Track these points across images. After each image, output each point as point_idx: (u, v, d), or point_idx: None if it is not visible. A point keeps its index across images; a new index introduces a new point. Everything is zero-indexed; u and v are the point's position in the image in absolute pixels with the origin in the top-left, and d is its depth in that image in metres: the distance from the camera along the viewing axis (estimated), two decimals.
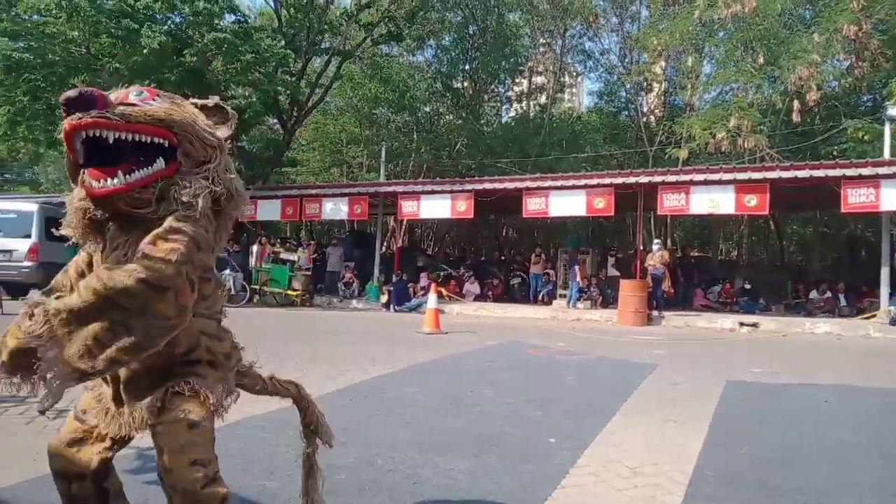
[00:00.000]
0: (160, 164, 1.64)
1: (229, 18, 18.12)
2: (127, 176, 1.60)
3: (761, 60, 18.09)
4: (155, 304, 1.51)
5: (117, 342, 1.47)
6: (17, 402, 4.43)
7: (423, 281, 16.48)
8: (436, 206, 15.81)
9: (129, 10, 15.68)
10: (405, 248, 22.08)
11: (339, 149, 28.17)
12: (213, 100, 1.90)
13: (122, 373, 1.73)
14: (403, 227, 24.77)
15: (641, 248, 15.45)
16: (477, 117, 28.03)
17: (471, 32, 27.76)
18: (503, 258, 22.04)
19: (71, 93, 1.55)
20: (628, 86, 26.61)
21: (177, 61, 16.26)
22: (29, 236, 14.43)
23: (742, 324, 12.49)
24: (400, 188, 16.78)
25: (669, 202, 13.33)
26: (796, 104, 17.76)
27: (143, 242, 1.55)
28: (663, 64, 25.16)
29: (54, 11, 15.33)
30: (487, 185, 15.69)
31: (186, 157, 1.69)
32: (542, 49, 30.29)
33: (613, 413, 4.65)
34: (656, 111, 27.99)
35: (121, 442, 1.89)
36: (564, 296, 15.44)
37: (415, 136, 27.84)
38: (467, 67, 28.48)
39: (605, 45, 28.43)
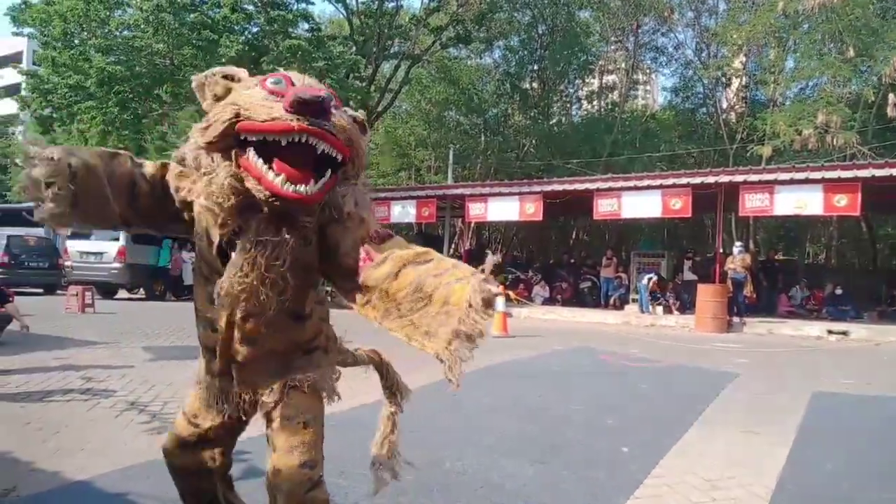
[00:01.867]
0: (328, 173, 1.63)
1: (303, 27, 18.70)
2: (316, 183, 1.59)
3: (851, 52, 17.03)
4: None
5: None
6: (108, 394, 4.72)
7: None
8: (503, 209, 15.72)
9: (209, 22, 16.46)
10: (472, 251, 22.09)
11: (408, 152, 28.52)
12: (361, 114, 1.84)
13: (242, 354, 1.72)
14: (471, 229, 24.78)
15: (721, 250, 14.80)
16: (546, 117, 27.73)
17: (539, 32, 27.51)
18: (572, 261, 21.67)
19: (308, 95, 1.52)
20: (706, 81, 25.63)
21: (254, 70, 16.91)
22: (117, 239, 15.35)
23: (831, 331, 11.76)
24: (467, 190, 16.80)
25: (752, 203, 12.72)
26: (891, 98, 16.62)
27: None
28: (743, 58, 24.09)
29: (142, 26, 16.28)
30: (557, 187, 15.47)
31: (345, 175, 1.71)
32: (613, 46, 29.65)
33: (690, 423, 4.48)
34: (736, 107, 26.84)
35: (234, 436, 1.96)
36: (637, 300, 15.01)
37: (482, 138, 27.83)
38: (536, 67, 28.21)
39: (679, 40, 27.53)
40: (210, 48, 16.11)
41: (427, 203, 16.79)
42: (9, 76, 42.83)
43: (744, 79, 25.35)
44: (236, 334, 1.71)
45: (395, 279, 1.58)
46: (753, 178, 12.88)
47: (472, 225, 22.99)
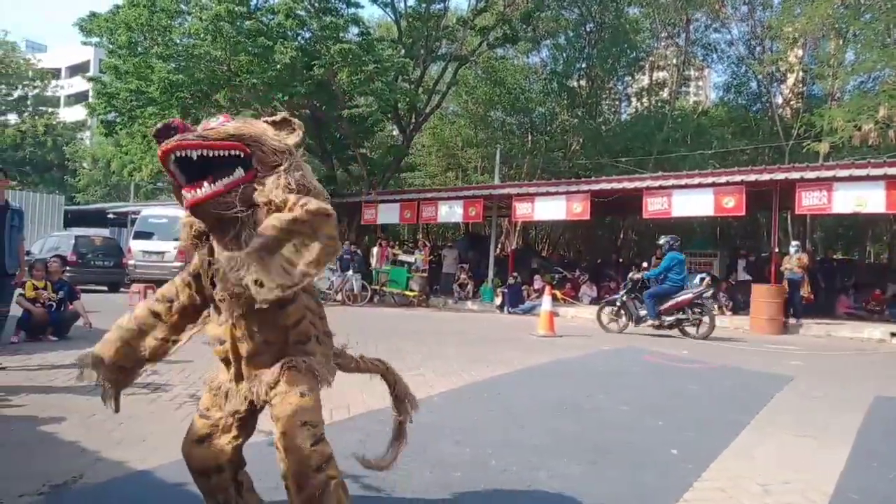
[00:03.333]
0: (239, 172, 1.90)
1: (353, 31, 18.99)
2: (212, 185, 1.86)
3: None
4: (323, 227, 1.81)
5: (304, 258, 1.77)
6: (168, 388, 4.93)
7: (537, 283, 16.34)
8: (550, 208, 15.62)
9: (264, 29, 16.90)
10: (519, 250, 22.00)
11: (455, 152, 28.60)
12: (280, 115, 2.13)
13: (244, 349, 2.01)
14: (517, 228, 24.67)
15: (777, 250, 14.33)
16: (594, 116, 27.36)
17: (587, 30, 27.16)
18: (621, 260, 21.33)
19: (158, 126, 1.86)
20: (760, 77, 24.83)
21: (306, 75, 17.28)
22: (178, 239, 15.90)
23: (894, 334, 11.25)
24: (514, 190, 16.75)
25: (809, 200, 12.28)
26: None
27: (291, 202, 1.83)
28: (800, 52, 23.22)
29: (202, 34, 16.84)
30: (605, 186, 15.27)
31: (261, 164, 1.93)
32: (663, 42, 29.03)
33: (742, 426, 4.38)
34: (792, 103, 25.90)
35: (246, 427, 2.13)
36: None
37: (529, 138, 27.66)
38: (584, 65, 27.86)
39: (732, 35, 26.73)
40: (265, 54, 16.54)
41: (474, 203, 16.83)
42: (78, 84, 45.06)
43: (799, 73, 24.45)
44: (236, 333, 2.01)
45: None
46: (810, 175, 12.43)
47: (519, 224, 22.91)
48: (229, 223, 1.93)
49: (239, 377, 2.06)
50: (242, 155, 1.91)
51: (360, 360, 2.41)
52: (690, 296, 10.19)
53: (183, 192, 1.89)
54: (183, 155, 1.83)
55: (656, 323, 10.28)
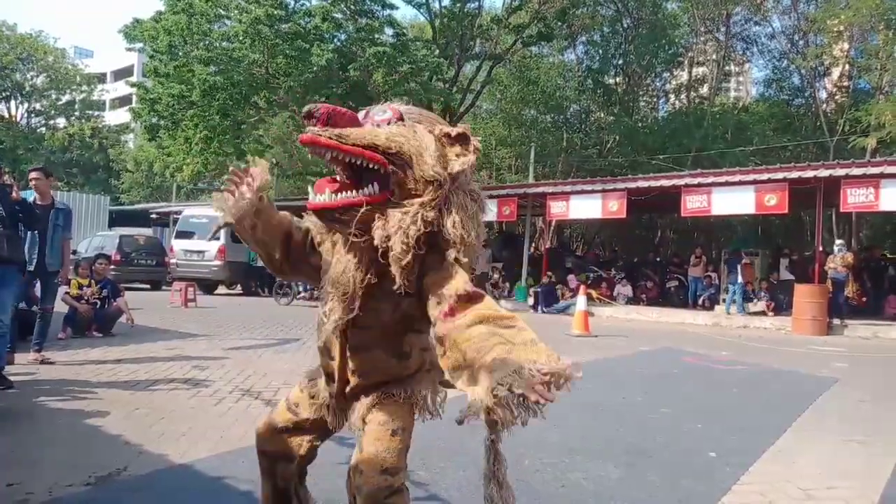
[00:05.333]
0: (372, 189, 1.61)
1: (388, 32, 19.13)
2: (333, 195, 1.61)
3: None
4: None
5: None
6: (208, 384, 5.04)
7: (572, 283, 16.19)
8: (586, 207, 15.45)
9: (301, 32, 17.15)
10: (553, 250, 21.83)
11: (488, 151, 28.55)
12: (460, 128, 1.75)
13: (353, 380, 1.82)
14: (552, 227, 24.49)
15: (821, 248, 13.91)
16: (630, 113, 26.97)
17: (624, 26, 26.79)
18: (658, 259, 20.98)
19: (306, 108, 1.61)
20: (803, 71, 24.13)
21: (342, 76, 17.48)
22: (218, 239, 16.26)
23: None
24: (549, 189, 16.62)
25: (855, 198, 11.88)
26: None
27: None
28: (845, 45, 22.48)
29: (241, 38, 17.17)
30: (641, 184, 15.03)
31: (399, 187, 1.62)
32: (703, 38, 28.45)
33: (784, 429, 4.26)
34: (836, 97, 25.10)
35: (327, 433, 2.04)
36: (726, 300, 14.34)
37: (564, 136, 27.42)
38: (620, 62, 27.49)
39: (774, 28, 26.05)
40: (302, 57, 16.79)
41: (508, 202, 16.75)
42: (122, 88, 46.43)
43: (845, 66, 23.67)
44: (350, 364, 1.81)
45: (466, 329, 1.49)
46: (857, 171, 12.02)
47: (553, 223, 22.73)
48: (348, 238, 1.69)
49: (341, 397, 1.87)
50: (382, 171, 1.59)
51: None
52: None
53: (310, 188, 1.71)
54: (317, 151, 1.59)
55: None
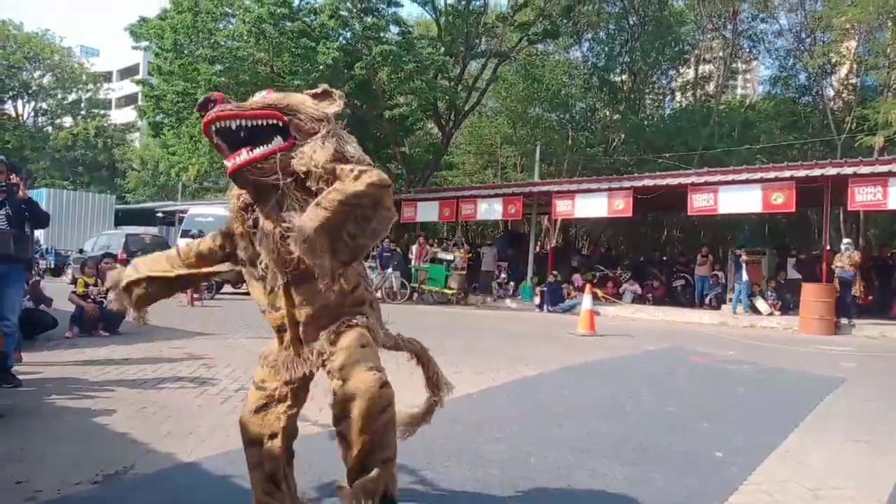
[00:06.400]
0: (278, 140, 1.95)
1: (394, 30, 19.12)
2: (249, 152, 1.93)
3: None
4: (383, 199, 1.87)
5: (365, 231, 1.84)
6: (214, 382, 5.06)
7: (578, 281, 16.16)
8: (591, 205, 15.41)
9: (307, 30, 17.16)
10: (559, 248, 21.80)
11: (493, 150, 28.50)
12: (321, 87, 2.17)
13: (302, 315, 2.06)
14: (557, 226, 24.45)
15: (828, 247, 13.85)
16: (636, 111, 26.88)
17: (630, 23, 26.70)
18: (664, 258, 20.93)
19: (200, 100, 1.97)
20: (810, 69, 24.00)
21: (348, 74, 17.48)
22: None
23: None
24: (554, 187, 16.59)
25: (863, 196, 11.82)
26: None
27: (345, 173, 1.88)
28: (852, 43, 22.34)
29: (245, 36, 17.19)
30: (648, 182, 14.99)
31: (299, 131, 1.98)
32: (709, 35, 28.31)
33: (791, 429, 4.25)
34: (844, 95, 24.94)
35: (299, 396, 2.18)
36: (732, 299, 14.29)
37: (569, 134, 27.35)
38: (626, 60, 27.39)
39: (781, 25, 25.89)
40: (308, 55, 16.79)
41: (513, 200, 16.73)
42: (128, 87, 46.66)
43: (852, 64, 23.53)
44: (295, 299, 2.05)
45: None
46: (864, 170, 11.95)
47: (559, 222, 22.70)
48: (270, 191, 1.97)
49: (297, 342, 2.10)
50: (280, 124, 1.96)
51: (398, 337, 2.40)
52: None
53: (225, 161, 1.97)
54: (223, 126, 1.92)
55: None
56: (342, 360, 1.93)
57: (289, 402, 2.14)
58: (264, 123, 1.94)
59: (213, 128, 1.93)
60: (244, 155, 1.92)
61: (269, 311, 2.13)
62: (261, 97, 2.04)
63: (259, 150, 1.92)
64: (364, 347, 1.98)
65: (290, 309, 2.06)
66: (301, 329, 2.07)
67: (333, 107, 2.11)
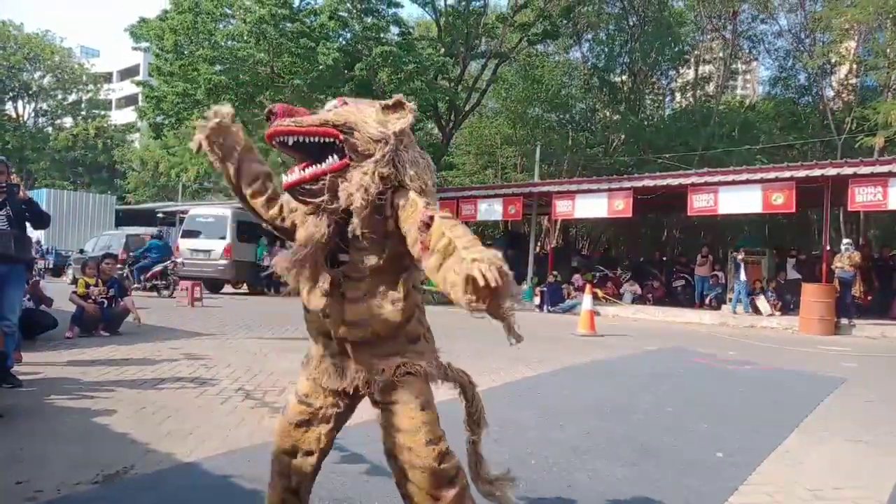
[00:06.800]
0: (332, 160, 1.86)
1: (394, 31, 19.13)
2: (303, 171, 1.86)
3: None
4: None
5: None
6: (214, 382, 5.06)
7: (578, 282, 16.16)
8: (591, 206, 15.42)
9: (307, 31, 17.17)
10: (559, 249, 21.81)
11: (493, 150, 28.50)
12: (395, 98, 1.99)
13: (351, 334, 1.93)
14: (557, 227, 24.47)
15: (828, 248, 13.85)
16: (636, 112, 26.90)
17: (630, 24, 26.72)
18: (664, 259, 20.94)
19: (266, 110, 1.89)
20: (810, 70, 24.01)
21: (348, 75, 17.50)
22: (224, 238, 16.31)
23: None
24: (554, 188, 16.59)
25: (863, 197, 11.83)
26: None
27: (420, 216, 1.75)
28: (852, 43, 22.34)
29: (245, 36, 17.19)
30: (648, 182, 14.99)
31: (354, 151, 1.86)
32: (709, 35, 28.34)
33: (791, 429, 4.25)
34: (843, 95, 24.95)
35: (341, 419, 2.09)
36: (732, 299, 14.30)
37: (569, 134, 27.36)
38: (626, 60, 27.41)
39: (781, 26, 25.91)
40: (308, 56, 16.81)
41: (513, 201, 16.74)
42: (128, 87, 46.70)
43: (852, 64, 23.54)
44: (345, 317, 1.91)
45: (437, 272, 1.66)
46: (864, 170, 11.96)
47: (559, 222, 22.71)
48: (324, 209, 1.89)
49: (344, 355, 1.98)
50: (336, 143, 1.86)
51: (448, 368, 2.18)
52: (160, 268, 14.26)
53: (283, 174, 1.92)
54: (281, 140, 1.86)
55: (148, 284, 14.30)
56: (400, 423, 1.88)
57: (331, 425, 2.05)
58: (320, 141, 1.85)
59: (274, 142, 1.87)
60: (297, 173, 1.87)
61: (314, 315, 1.99)
62: (329, 107, 1.96)
63: (310, 171, 1.86)
64: (423, 411, 1.89)
65: (340, 326, 1.93)
66: (349, 346, 1.95)
67: (400, 122, 1.91)
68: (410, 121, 1.95)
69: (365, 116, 1.90)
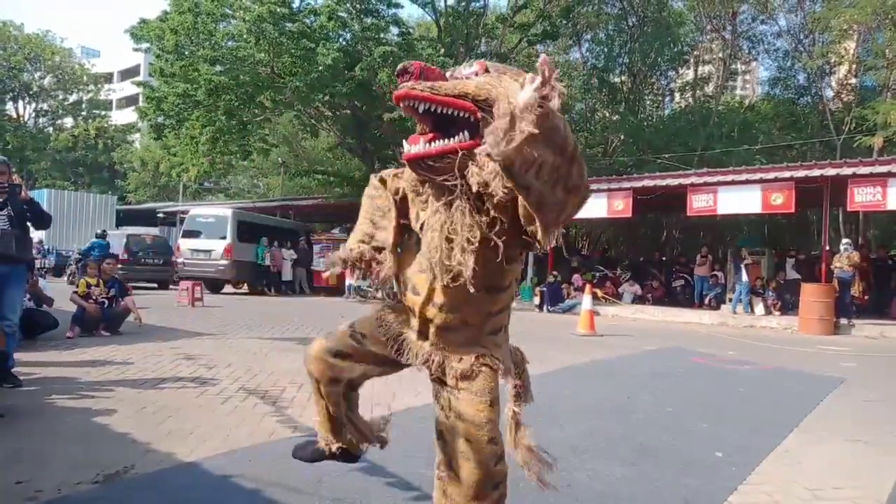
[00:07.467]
0: (463, 136, 1.64)
1: (393, 31, 19.14)
2: (428, 144, 1.66)
3: None
4: (574, 194, 1.53)
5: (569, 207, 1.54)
6: (215, 382, 5.06)
7: (578, 282, 16.17)
8: (591, 206, 15.24)
9: (307, 31, 17.18)
10: (559, 249, 21.79)
11: None
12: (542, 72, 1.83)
13: (440, 317, 1.84)
14: None
15: (827, 248, 13.86)
16: (635, 112, 26.91)
17: (629, 24, 26.74)
18: (664, 259, 20.94)
19: (400, 66, 1.67)
20: (809, 70, 24.03)
21: (348, 75, 17.50)
22: (224, 238, 16.32)
23: None
24: None
25: (862, 197, 11.84)
26: None
27: None
28: (852, 43, 22.36)
29: (245, 36, 17.20)
30: (648, 183, 15.00)
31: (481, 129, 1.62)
32: (709, 36, 28.36)
33: (790, 429, 4.25)
34: (842, 95, 24.96)
35: (386, 370, 2.04)
36: (733, 299, 14.31)
37: None
38: (625, 61, 27.43)
39: (780, 26, 25.92)
40: (308, 56, 16.81)
41: None
42: (129, 88, 46.74)
43: (851, 65, 23.55)
44: (437, 300, 1.83)
45: None
46: (864, 170, 11.98)
47: None
48: (445, 188, 1.71)
49: (423, 335, 1.91)
50: (472, 118, 1.62)
51: (515, 353, 2.11)
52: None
53: (405, 141, 1.73)
54: (411, 104, 1.65)
55: None
56: (467, 412, 1.79)
57: (374, 366, 2.02)
58: (454, 114, 1.63)
59: (402, 104, 1.66)
60: (420, 145, 1.67)
61: (410, 290, 1.90)
62: (467, 72, 1.74)
63: (436, 145, 1.65)
64: (491, 407, 1.81)
65: (429, 307, 1.85)
66: (432, 329, 1.87)
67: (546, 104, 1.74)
68: (557, 105, 1.65)
69: (509, 93, 1.59)
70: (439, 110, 1.62)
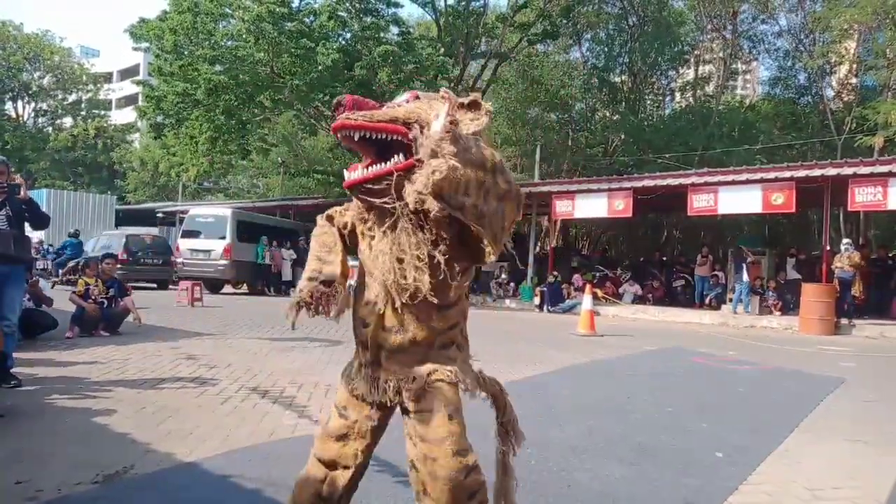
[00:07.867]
0: (398, 158, 1.71)
1: (393, 31, 19.14)
2: (365, 170, 1.75)
3: None
4: (507, 199, 1.75)
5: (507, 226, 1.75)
6: (214, 382, 5.06)
7: (578, 282, 16.17)
8: (591, 206, 15.43)
9: (306, 31, 17.18)
10: (559, 249, 21.81)
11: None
12: (472, 96, 1.91)
13: (388, 340, 1.85)
14: (557, 227, 24.47)
15: (828, 248, 13.85)
16: (636, 112, 26.92)
17: (629, 24, 26.74)
18: (664, 259, 20.94)
19: (335, 100, 1.80)
20: (809, 69, 24.03)
21: (348, 75, 17.50)
22: (224, 238, 16.31)
23: None
24: (554, 188, 16.60)
25: (863, 197, 11.84)
26: None
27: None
28: (852, 43, 22.35)
29: (244, 36, 17.19)
30: (648, 182, 15.01)
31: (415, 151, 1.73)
32: (709, 35, 28.36)
33: (791, 429, 4.25)
34: (843, 95, 24.96)
35: (380, 431, 2.01)
36: (733, 299, 14.30)
37: (569, 135, 27.36)
38: (626, 60, 27.43)
39: (781, 26, 25.93)
40: (307, 56, 16.81)
41: None
42: (128, 87, 46.76)
43: (852, 64, 23.55)
44: (387, 323, 1.84)
45: None
46: (864, 170, 11.98)
47: (559, 222, 22.71)
48: (387, 211, 1.76)
49: (375, 365, 1.91)
50: (405, 140, 1.71)
51: (480, 376, 2.04)
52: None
53: (345, 170, 1.81)
54: (347, 134, 1.74)
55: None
56: (426, 432, 1.79)
57: (368, 440, 1.99)
58: (388, 139, 1.72)
59: (339, 135, 1.75)
60: (359, 171, 1.75)
61: (359, 325, 1.92)
62: (399, 101, 1.84)
63: (373, 169, 1.73)
64: (452, 421, 1.79)
65: (379, 332, 1.86)
66: (384, 355, 1.88)
67: (474, 124, 1.82)
68: (486, 122, 1.86)
69: (440, 114, 1.74)
70: (374, 136, 1.72)
